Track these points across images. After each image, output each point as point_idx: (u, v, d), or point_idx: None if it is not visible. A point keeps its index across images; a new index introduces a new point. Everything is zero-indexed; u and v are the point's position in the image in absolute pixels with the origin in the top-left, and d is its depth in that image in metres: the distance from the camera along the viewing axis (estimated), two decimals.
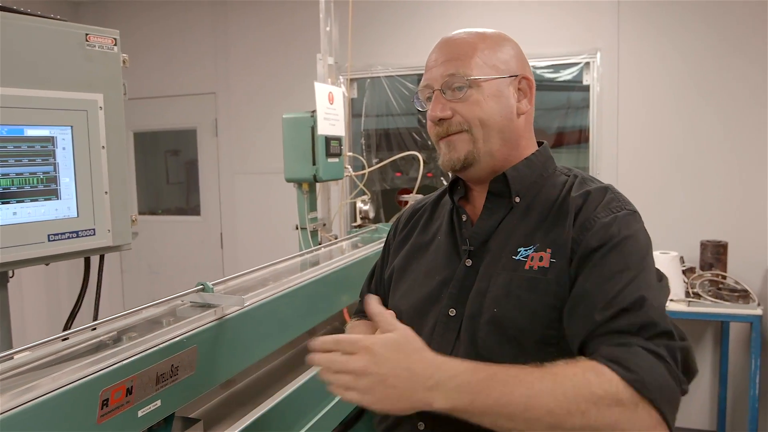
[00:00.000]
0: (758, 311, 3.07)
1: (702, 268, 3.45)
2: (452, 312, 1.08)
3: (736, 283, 3.33)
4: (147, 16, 4.76)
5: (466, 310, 1.05)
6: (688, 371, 0.91)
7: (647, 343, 0.87)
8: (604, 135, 3.73)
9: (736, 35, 3.44)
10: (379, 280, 1.33)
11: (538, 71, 3.94)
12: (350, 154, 2.89)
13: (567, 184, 1.10)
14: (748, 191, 3.49)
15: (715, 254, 3.40)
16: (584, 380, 0.82)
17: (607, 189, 1.07)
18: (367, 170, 2.79)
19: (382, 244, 1.40)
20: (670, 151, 3.62)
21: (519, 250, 1.04)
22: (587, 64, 3.76)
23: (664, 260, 3.23)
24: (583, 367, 0.85)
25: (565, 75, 3.85)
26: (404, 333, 0.92)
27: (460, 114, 1.08)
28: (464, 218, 1.16)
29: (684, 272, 3.35)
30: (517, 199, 1.10)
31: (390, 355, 0.87)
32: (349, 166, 2.78)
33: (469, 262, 1.10)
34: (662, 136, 3.63)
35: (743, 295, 3.17)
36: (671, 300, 3.14)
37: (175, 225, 5.01)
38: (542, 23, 3.77)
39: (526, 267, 1.02)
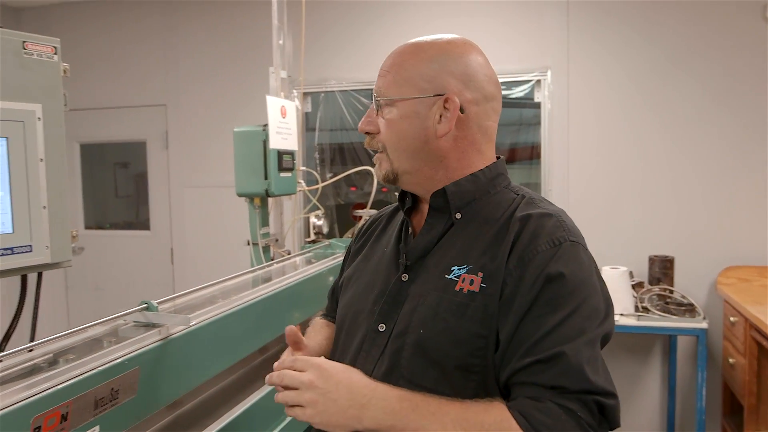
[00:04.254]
0: (704, 324, 3.15)
1: (650, 282, 3.53)
2: (381, 327, 1.06)
3: (683, 297, 3.41)
4: (95, 24, 4.63)
5: (396, 327, 1.04)
6: (608, 422, 0.91)
7: (560, 398, 0.88)
8: (555, 151, 3.80)
9: (679, 53, 3.57)
10: (338, 285, 1.33)
11: None
12: (303, 168, 2.86)
13: (513, 203, 1.06)
14: (693, 207, 3.60)
15: (662, 269, 3.48)
16: (492, 431, 0.86)
17: (551, 215, 1.01)
18: (320, 185, 2.77)
19: (336, 260, 1.38)
20: (619, 167, 3.71)
21: (453, 268, 1.01)
22: (538, 81, 3.83)
23: (614, 275, 3.29)
24: (494, 417, 0.88)
25: (517, 92, 3.91)
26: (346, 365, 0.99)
27: (382, 132, 1.09)
28: (410, 231, 1.14)
29: (633, 287, 3.42)
30: (458, 216, 1.07)
31: (336, 374, 0.94)
32: (302, 181, 2.75)
33: (405, 277, 1.08)
34: (611, 153, 3.72)
35: (689, 309, 3.25)
36: (621, 314, 3.20)
37: (124, 240, 4.86)
38: (494, 41, 3.83)
39: (456, 288, 0.99)
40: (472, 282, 0.98)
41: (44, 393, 0.94)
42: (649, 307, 3.29)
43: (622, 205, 3.71)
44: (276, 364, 1.01)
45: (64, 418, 0.97)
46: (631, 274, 3.45)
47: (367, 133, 1.12)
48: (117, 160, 5.13)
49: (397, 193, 1.21)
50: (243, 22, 4.27)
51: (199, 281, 1.66)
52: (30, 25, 4.71)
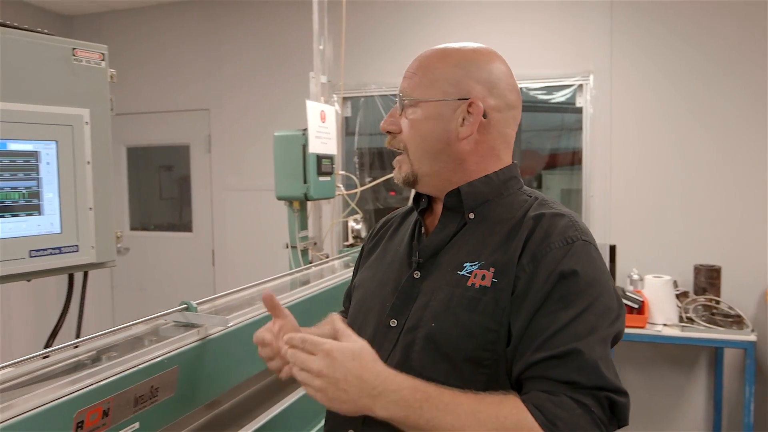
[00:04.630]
0: (752, 337, 3.05)
1: (695, 292, 3.43)
2: (393, 323, 1.08)
3: (730, 308, 3.31)
4: (142, 31, 4.77)
5: (407, 322, 1.06)
6: (618, 419, 0.92)
7: (574, 393, 0.89)
8: (597, 157, 3.74)
9: (728, 58, 3.47)
10: (352, 288, 1.35)
11: (531, 93, 3.96)
12: (342, 172, 2.87)
13: (526, 204, 1.08)
14: (742, 215, 3.49)
15: (708, 278, 3.39)
16: (507, 424, 0.87)
17: (563, 215, 1.04)
18: (359, 189, 2.78)
19: None
20: (663, 174, 3.62)
21: (465, 264, 1.04)
22: (580, 86, 3.78)
23: (657, 284, 3.22)
24: (510, 410, 0.88)
25: (559, 97, 3.86)
26: (363, 344, 0.94)
27: (403, 132, 1.11)
28: (423, 230, 1.17)
29: (677, 296, 3.34)
30: (471, 215, 1.09)
31: (346, 362, 0.91)
32: (341, 185, 2.76)
33: (417, 274, 1.10)
34: (656, 159, 3.64)
35: (737, 321, 3.15)
36: (665, 325, 3.13)
37: (167, 241, 4.98)
38: (536, 46, 3.79)
39: (468, 283, 1.01)
40: (483, 277, 1.00)
41: (87, 389, 0.97)
42: (695, 318, 3.21)
43: (666, 213, 3.63)
44: (286, 338, 0.96)
45: (105, 414, 1.00)
46: (675, 284, 3.37)
47: (389, 132, 1.14)
48: (161, 163, 5.26)
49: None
50: (284, 27, 4.33)
51: (239, 283, 1.69)
52: (81, 33, 4.88)
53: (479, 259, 1.03)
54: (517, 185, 1.14)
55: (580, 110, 3.82)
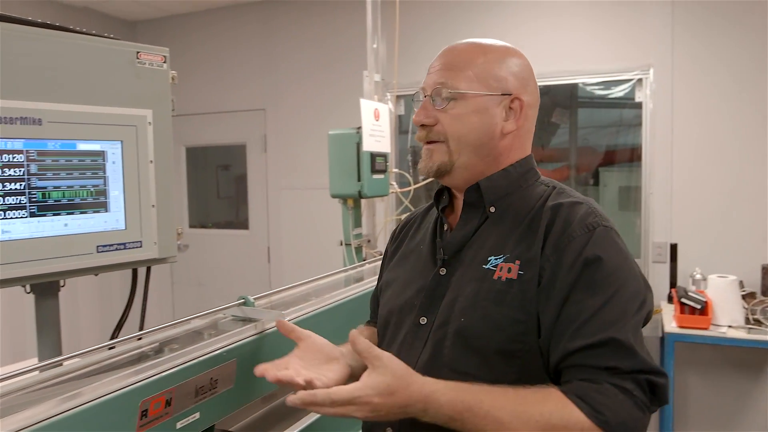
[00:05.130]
0: None
1: (763, 293, 3.29)
2: (423, 320, 1.09)
3: None
4: (199, 34, 4.90)
5: (437, 319, 1.06)
6: (658, 399, 0.93)
7: (615, 379, 0.90)
8: (657, 153, 3.63)
9: None
10: (377, 289, 1.36)
11: (589, 88, 3.88)
12: (396, 170, 2.88)
13: (544, 194, 1.10)
14: None
15: None
16: (554, 421, 0.88)
17: (581, 203, 1.05)
18: (412, 187, 2.78)
19: None
20: (728, 171, 3.49)
21: (489, 258, 1.05)
22: (640, 80, 3.67)
23: (722, 284, 3.10)
24: (554, 405, 0.89)
25: (617, 92, 3.77)
26: (392, 370, 0.92)
27: (442, 124, 1.09)
28: (445, 227, 1.17)
29: (744, 297, 3.21)
30: (492, 209, 1.10)
31: (386, 401, 0.91)
32: (394, 183, 2.77)
33: (443, 271, 1.10)
34: (719, 155, 3.50)
35: None
36: (729, 326, 3.01)
37: (224, 238, 5.10)
38: (593, 40, 3.71)
39: (495, 277, 1.02)
40: (509, 270, 1.01)
41: (151, 379, 1.01)
42: (762, 320, 3.08)
43: (731, 211, 3.49)
44: (305, 396, 0.93)
45: (168, 403, 1.03)
46: (741, 284, 3.24)
47: (423, 125, 1.12)
48: (219, 162, 5.39)
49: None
50: (338, 26, 4.38)
51: (293, 279, 1.72)
52: (143, 37, 5.05)
53: (504, 252, 1.04)
54: (535, 176, 1.15)
55: (639, 105, 3.71)
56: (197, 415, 1.11)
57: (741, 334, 3.00)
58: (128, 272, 1.49)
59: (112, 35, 1.33)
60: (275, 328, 1.34)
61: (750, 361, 3.48)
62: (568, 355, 0.94)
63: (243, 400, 1.25)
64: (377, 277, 1.40)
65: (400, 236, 1.33)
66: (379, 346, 1.18)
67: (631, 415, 0.89)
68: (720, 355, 3.51)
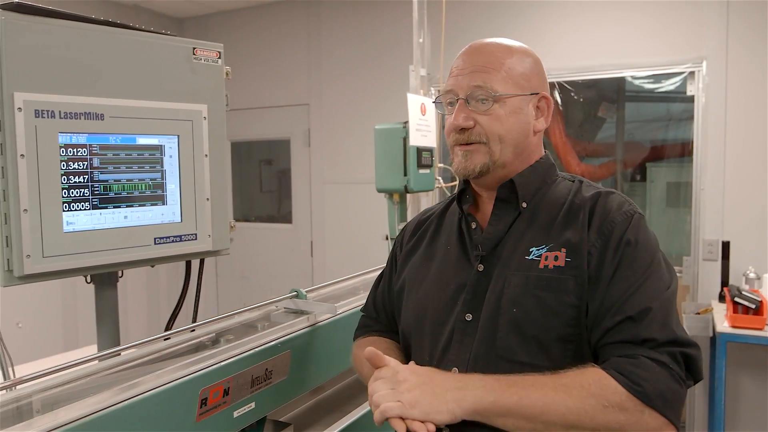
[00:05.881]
0: None
1: None
2: (468, 317, 1.09)
3: None
4: (244, 30, 4.96)
5: (483, 313, 1.07)
6: (692, 374, 0.96)
7: (651, 352, 0.93)
8: (709, 148, 3.52)
9: None
10: (386, 291, 1.33)
11: (637, 82, 3.80)
12: (441, 165, 2.87)
13: (573, 188, 1.14)
14: None
15: None
16: (593, 390, 0.91)
17: (614, 192, 1.11)
18: (458, 181, 2.77)
19: None
20: None
21: (531, 250, 1.07)
22: (691, 73, 3.57)
23: None
24: (592, 376, 0.93)
25: (667, 85, 3.67)
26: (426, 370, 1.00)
27: (482, 126, 1.10)
28: (474, 225, 1.17)
29: None
30: (524, 205, 1.13)
31: (422, 372, 0.99)
32: (439, 177, 2.76)
33: (480, 267, 1.11)
34: None
35: None
36: None
37: (267, 232, 5.16)
38: (642, 33, 3.62)
39: (541, 266, 1.04)
40: (556, 258, 1.04)
41: (210, 368, 1.03)
42: None
43: None
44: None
45: (226, 392, 1.06)
46: None
47: (462, 129, 1.11)
48: (262, 157, 5.46)
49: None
50: (382, 21, 4.37)
51: (337, 273, 1.73)
52: (190, 33, 5.14)
53: (546, 243, 1.06)
54: (555, 171, 1.19)
55: (691, 99, 3.61)
56: (252, 404, 1.13)
57: None
58: (175, 264, 1.51)
59: (169, 32, 1.36)
60: (328, 320, 1.36)
61: None
62: (607, 332, 0.97)
63: (296, 391, 1.27)
64: (377, 278, 1.37)
65: (414, 238, 1.30)
66: (416, 349, 1.18)
67: (669, 387, 0.91)
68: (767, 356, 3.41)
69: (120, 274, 1.43)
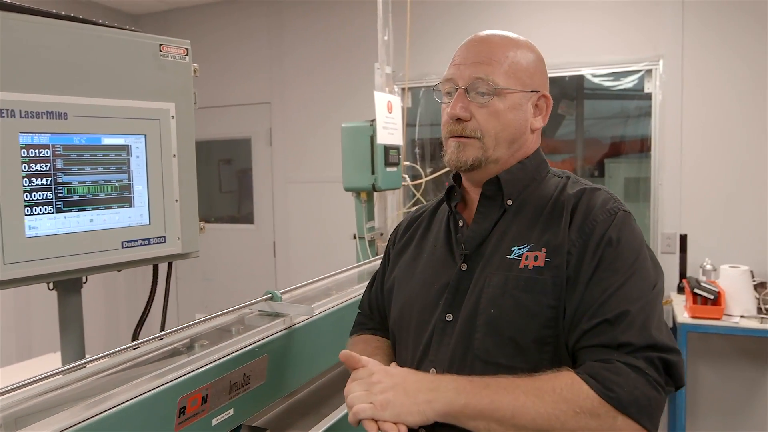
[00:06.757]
0: None
1: None
2: (449, 317, 1.08)
3: None
4: (203, 27, 4.86)
5: (461, 313, 1.06)
6: (673, 379, 0.93)
7: (627, 357, 0.91)
8: (666, 144, 3.61)
9: None
10: (379, 289, 1.32)
11: (596, 79, 3.86)
12: (407, 163, 2.87)
13: (560, 184, 1.11)
14: None
15: None
16: (565, 394, 0.89)
17: (600, 189, 1.08)
18: (424, 179, 2.77)
19: None
20: (737, 161, 3.47)
21: (512, 249, 1.05)
22: (649, 71, 3.65)
23: (734, 274, 3.10)
24: (565, 381, 0.91)
25: (626, 83, 3.75)
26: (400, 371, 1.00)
27: (478, 121, 1.08)
28: (461, 223, 1.15)
29: (755, 287, 3.20)
30: (509, 202, 1.11)
31: (395, 372, 0.99)
32: (406, 176, 2.76)
33: (464, 267, 1.09)
34: (730, 146, 3.48)
35: None
36: (742, 316, 3.01)
37: (229, 233, 5.07)
38: (602, 31, 3.69)
39: (521, 266, 1.02)
40: (536, 258, 1.02)
41: (188, 375, 0.99)
42: None
43: (741, 202, 3.48)
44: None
45: (204, 400, 1.02)
46: (752, 274, 3.23)
47: (458, 119, 1.09)
48: (221, 156, 5.36)
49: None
50: (346, 19, 4.34)
51: (300, 274, 1.71)
52: (147, 30, 4.97)
53: (527, 242, 1.04)
54: (546, 168, 1.17)
55: (648, 96, 3.69)
56: (231, 411, 1.10)
57: (754, 323, 2.99)
58: (134, 269, 1.46)
59: (133, 28, 1.31)
60: (304, 322, 1.33)
61: (761, 351, 3.48)
62: (584, 335, 0.95)
63: (274, 395, 1.25)
64: (373, 276, 1.36)
65: (406, 236, 1.29)
66: (400, 348, 1.18)
67: (644, 394, 0.88)
68: (731, 345, 3.51)
69: (84, 280, 1.37)
